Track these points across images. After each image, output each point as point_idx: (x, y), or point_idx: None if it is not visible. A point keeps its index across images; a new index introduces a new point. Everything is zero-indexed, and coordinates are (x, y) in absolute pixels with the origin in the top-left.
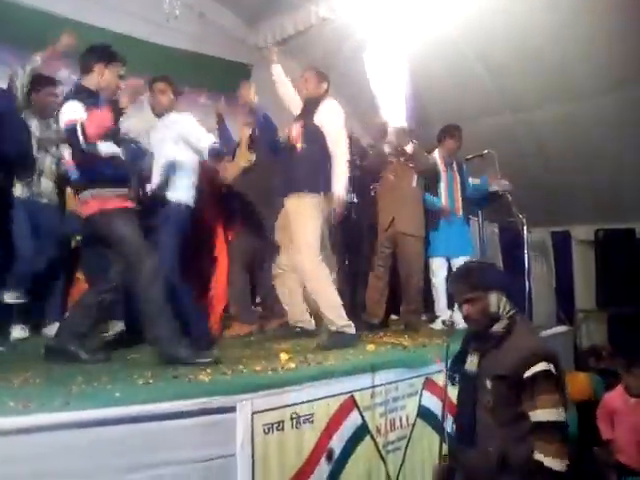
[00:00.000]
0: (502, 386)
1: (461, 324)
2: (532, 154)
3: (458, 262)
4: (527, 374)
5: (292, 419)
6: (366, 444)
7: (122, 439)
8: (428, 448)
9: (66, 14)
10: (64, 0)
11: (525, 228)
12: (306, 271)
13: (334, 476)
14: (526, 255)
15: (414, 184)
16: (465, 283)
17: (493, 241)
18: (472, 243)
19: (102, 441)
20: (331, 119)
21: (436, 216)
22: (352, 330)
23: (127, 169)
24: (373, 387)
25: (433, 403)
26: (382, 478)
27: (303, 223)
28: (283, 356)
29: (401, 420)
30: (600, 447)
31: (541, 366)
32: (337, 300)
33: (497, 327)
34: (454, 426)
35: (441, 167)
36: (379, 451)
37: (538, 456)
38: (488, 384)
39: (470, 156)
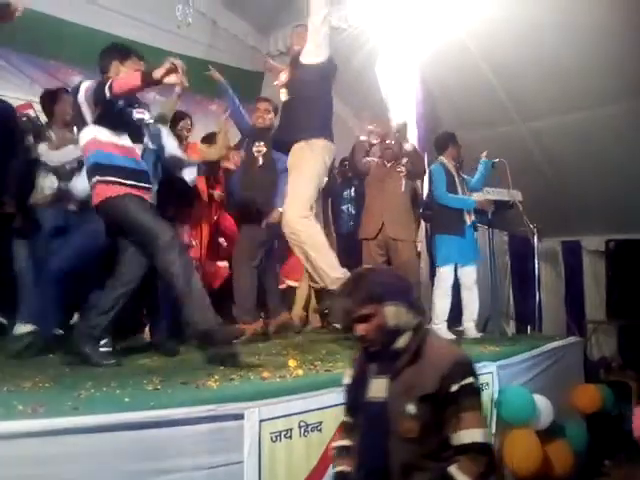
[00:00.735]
0: (429, 408)
1: (471, 335)
2: (543, 163)
3: (465, 270)
4: (453, 388)
5: (300, 427)
6: None
7: (130, 445)
8: None
9: (78, 21)
10: (76, 8)
11: (536, 238)
12: (292, 226)
13: None
14: (536, 265)
15: (402, 189)
16: (354, 298)
17: (502, 250)
18: (478, 250)
19: (110, 446)
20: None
21: (451, 223)
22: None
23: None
24: None
25: None
26: None
27: (298, 169)
28: (292, 363)
29: None
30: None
31: (469, 379)
32: (336, 261)
33: (401, 342)
34: (356, 470)
35: (455, 174)
36: None
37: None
38: (410, 409)
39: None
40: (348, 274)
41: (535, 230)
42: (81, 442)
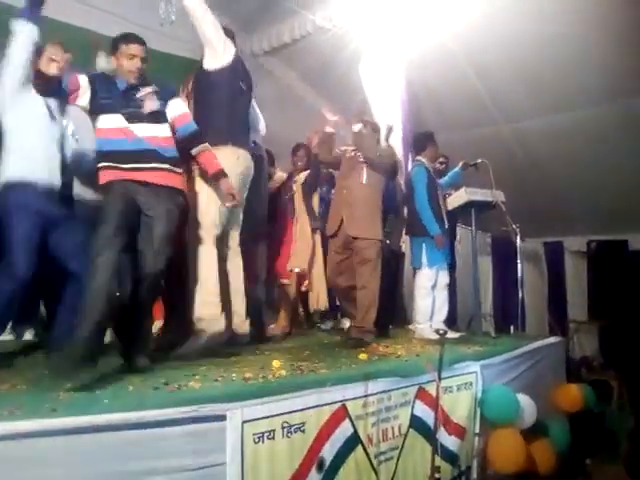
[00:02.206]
0: None
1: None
2: (525, 165)
3: (441, 273)
4: None
5: (283, 428)
6: (357, 454)
7: (111, 446)
8: (420, 458)
9: (56, 17)
10: (56, 3)
11: (518, 238)
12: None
13: None
14: (519, 265)
15: (364, 180)
16: None
17: (485, 250)
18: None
19: (90, 448)
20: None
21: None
22: (216, 327)
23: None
24: (365, 396)
25: (426, 413)
26: None
27: (201, 184)
28: (275, 363)
29: (393, 430)
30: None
31: None
32: (215, 299)
33: None
34: None
35: (433, 176)
36: (371, 461)
37: None
38: None
39: (463, 163)
40: (219, 320)
41: (517, 231)
42: (61, 444)
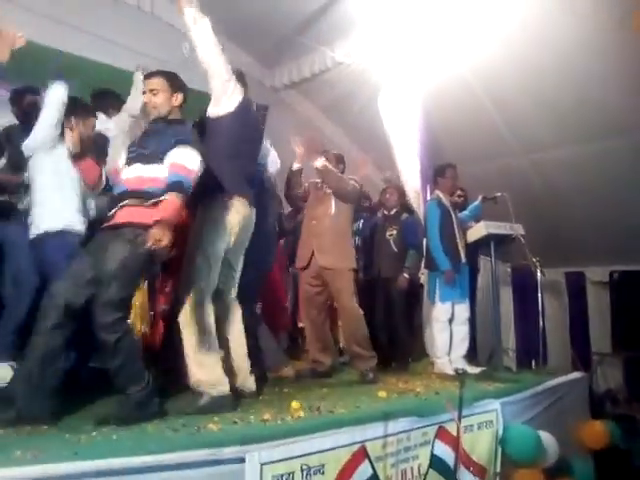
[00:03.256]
0: None
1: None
2: (545, 195)
3: (459, 307)
4: None
5: (302, 470)
6: None
7: None
8: None
9: (81, 53)
10: (79, 39)
11: (539, 271)
12: (180, 310)
13: None
14: (540, 297)
15: (332, 211)
16: None
17: (505, 282)
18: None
19: None
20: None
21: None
22: (219, 391)
23: None
24: (385, 437)
25: (446, 453)
26: None
27: (197, 236)
28: (294, 404)
29: (412, 470)
30: None
31: None
32: (212, 359)
33: None
34: None
35: (450, 208)
36: None
37: None
38: None
39: (482, 197)
40: (221, 383)
41: (538, 264)
42: None
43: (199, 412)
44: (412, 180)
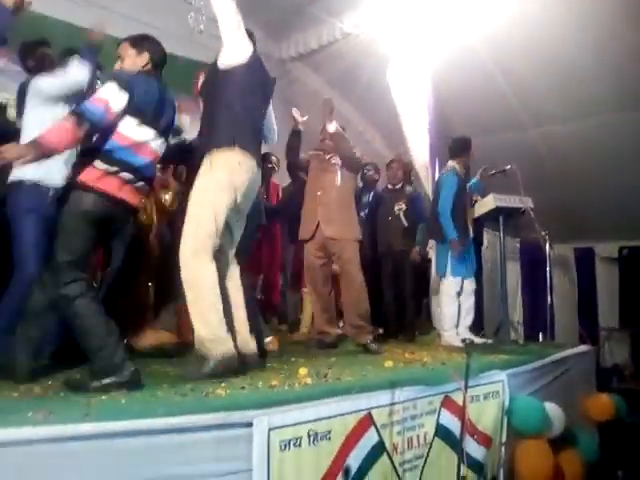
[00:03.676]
0: None
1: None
2: (555, 169)
3: (467, 281)
4: None
5: (309, 435)
6: (383, 462)
7: (139, 451)
8: (446, 467)
9: (90, 26)
10: (87, 12)
11: (548, 245)
12: (181, 262)
13: None
14: (548, 272)
15: (338, 181)
16: None
17: (513, 256)
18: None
19: (120, 453)
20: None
21: (459, 234)
22: (225, 349)
23: None
24: (391, 405)
25: (452, 422)
26: None
27: (198, 190)
28: (301, 371)
29: (419, 438)
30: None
31: None
32: (216, 316)
33: None
34: None
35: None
36: (396, 469)
37: None
38: None
39: (492, 172)
40: (224, 342)
41: (547, 237)
42: (91, 448)
43: (205, 378)
44: (421, 153)
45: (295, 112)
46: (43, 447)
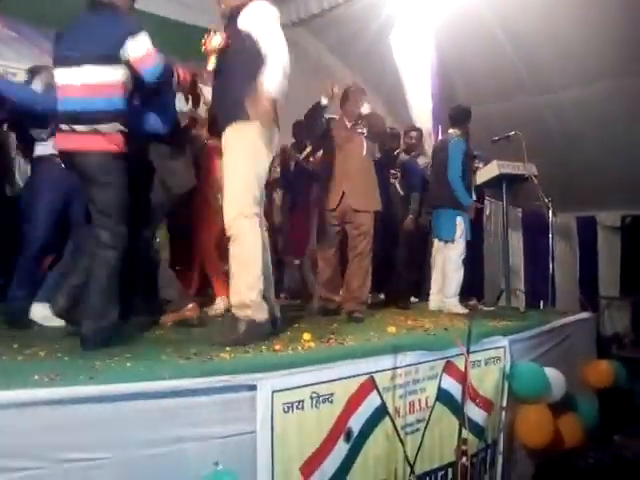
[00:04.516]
0: None
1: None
2: (558, 137)
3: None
4: None
5: (312, 398)
6: (385, 425)
7: (144, 414)
8: (447, 431)
9: None
10: None
11: (551, 212)
12: (228, 227)
13: (352, 456)
14: (550, 239)
15: (364, 153)
16: None
17: (516, 225)
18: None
19: (125, 415)
20: (260, 17)
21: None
22: (262, 315)
23: None
24: (394, 369)
25: (453, 387)
26: (400, 459)
27: (233, 160)
28: (305, 336)
29: (420, 402)
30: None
31: None
32: (258, 280)
33: None
34: None
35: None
36: (397, 432)
37: None
38: None
39: (496, 138)
40: (263, 307)
41: (550, 204)
42: (97, 410)
43: (238, 343)
44: (424, 120)
45: (329, 85)
46: (48, 409)
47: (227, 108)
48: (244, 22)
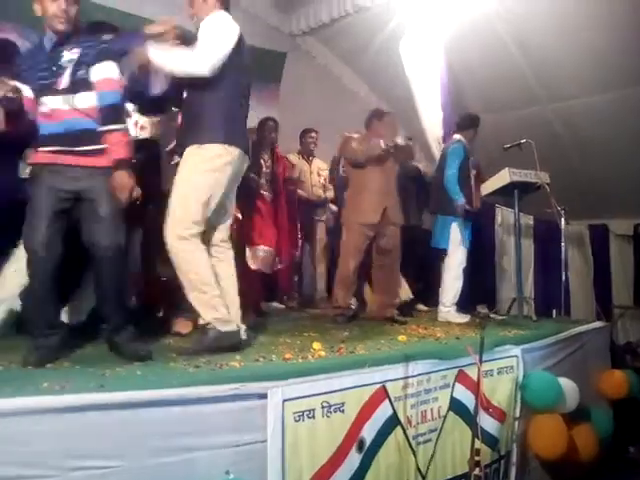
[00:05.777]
0: None
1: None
2: (569, 145)
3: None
4: None
5: (323, 407)
6: (397, 435)
7: (155, 422)
8: (459, 441)
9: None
10: None
11: (563, 220)
12: (168, 245)
13: (364, 466)
14: (563, 248)
15: (396, 171)
16: None
17: (527, 233)
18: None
19: (136, 423)
20: (206, 26)
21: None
22: (229, 327)
23: None
24: (405, 378)
25: (465, 396)
26: (412, 469)
27: (175, 183)
28: (315, 345)
29: (432, 412)
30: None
31: None
32: (213, 297)
33: None
34: None
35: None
36: (409, 442)
37: None
38: None
39: (508, 145)
40: (229, 321)
41: (563, 213)
42: (107, 418)
43: (206, 350)
44: (434, 129)
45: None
46: (59, 417)
47: (182, 130)
48: (199, 33)
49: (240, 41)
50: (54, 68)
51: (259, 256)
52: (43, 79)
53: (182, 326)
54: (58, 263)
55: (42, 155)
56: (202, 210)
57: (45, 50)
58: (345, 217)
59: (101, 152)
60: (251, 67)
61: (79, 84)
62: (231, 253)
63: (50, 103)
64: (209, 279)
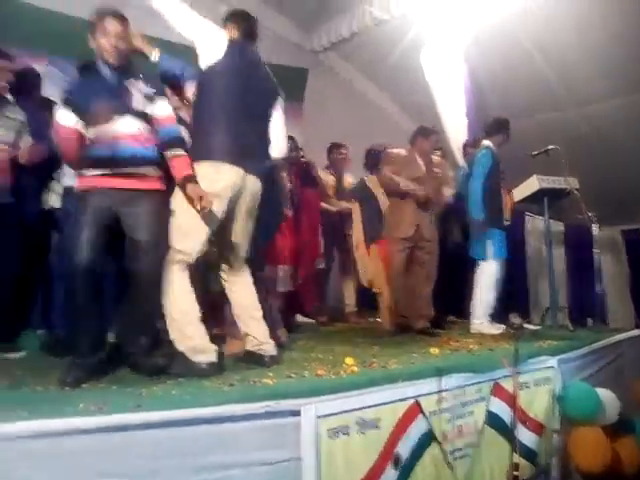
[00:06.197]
0: None
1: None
2: (599, 149)
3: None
4: None
5: (357, 424)
6: (433, 450)
7: (190, 440)
8: (497, 455)
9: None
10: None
11: (595, 227)
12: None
13: None
14: (595, 255)
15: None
16: None
17: (559, 240)
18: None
19: (171, 442)
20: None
21: (499, 215)
22: (202, 359)
23: None
24: (439, 392)
25: (502, 409)
26: None
27: (172, 202)
28: (347, 360)
29: (468, 426)
30: None
31: None
32: (187, 318)
33: None
34: None
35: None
36: (446, 458)
37: None
38: None
39: (535, 152)
40: (204, 351)
41: (594, 219)
42: (144, 438)
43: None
44: (458, 137)
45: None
46: (96, 437)
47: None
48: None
49: (243, 59)
50: (110, 97)
51: (279, 275)
52: (96, 106)
53: (235, 346)
54: (101, 282)
55: (91, 179)
56: (192, 236)
57: (101, 80)
58: (386, 234)
59: (146, 176)
60: (269, 88)
61: (138, 115)
62: (248, 276)
63: (104, 129)
64: (185, 308)
